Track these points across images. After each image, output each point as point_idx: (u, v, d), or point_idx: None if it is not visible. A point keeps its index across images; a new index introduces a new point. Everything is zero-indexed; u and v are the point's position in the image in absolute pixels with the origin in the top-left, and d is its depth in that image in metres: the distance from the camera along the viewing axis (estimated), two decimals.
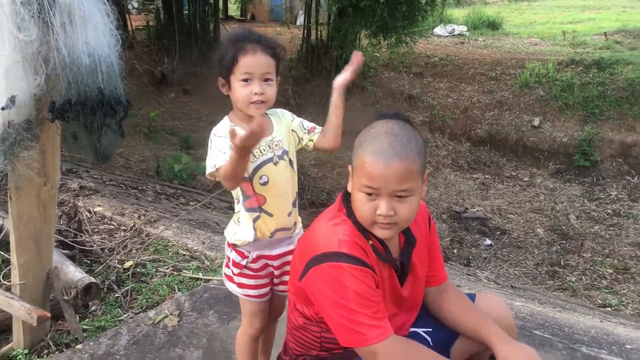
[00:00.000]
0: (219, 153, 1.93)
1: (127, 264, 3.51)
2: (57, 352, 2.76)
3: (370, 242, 1.72)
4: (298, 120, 2.21)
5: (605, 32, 14.70)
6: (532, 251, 7.44)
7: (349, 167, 1.74)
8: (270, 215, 2.08)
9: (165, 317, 3.02)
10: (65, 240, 3.43)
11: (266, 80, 2.00)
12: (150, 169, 8.23)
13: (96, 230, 3.91)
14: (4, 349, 2.75)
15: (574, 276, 6.73)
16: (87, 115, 2.10)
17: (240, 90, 1.97)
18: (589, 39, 14.56)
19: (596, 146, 9.83)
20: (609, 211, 8.54)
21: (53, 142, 2.42)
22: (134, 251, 3.67)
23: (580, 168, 9.76)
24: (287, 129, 2.16)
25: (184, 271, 3.55)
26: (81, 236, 3.61)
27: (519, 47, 14.46)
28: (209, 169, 1.97)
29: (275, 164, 2.07)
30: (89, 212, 4.09)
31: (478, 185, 9.53)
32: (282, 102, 10.42)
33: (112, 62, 2.16)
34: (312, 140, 2.19)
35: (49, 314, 2.56)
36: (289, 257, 2.16)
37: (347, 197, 1.76)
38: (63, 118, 2.14)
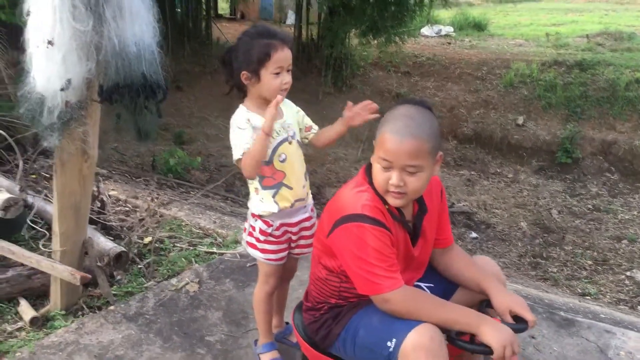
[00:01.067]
0: (244, 144, 2.27)
1: (146, 240, 3.80)
2: (90, 313, 3.05)
3: (387, 206, 2.00)
4: (302, 113, 2.56)
5: (587, 35, 15.00)
6: (516, 244, 7.61)
7: (374, 142, 2.04)
8: (291, 188, 2.41)
9: (187, 284, 3.32)
10: (90, 216, 3.68)
11: (288, 70, 2.35)
12: (145, 163, 8.38)
13: (113, 211, 4.18)
14: (43, 310, 3.03)
15: (556, 267, 6.92)
16: (132, 98, 2.40)
17: (272, 82, 2.29)
18: (572, 40, 14.83)
19: (578, 144, 10.07)
20: (590, 206, 8.75)
21: (95, 122, 2.71)
22: (151, 229, 3.95)
23: (562, 165, 10.00)
24: (294, 116, 2.50)
25: (199, 246, 3.84)
26: (104, 214, 3.88)
27: (504, 47, 14.72)
28: (237, 156, 2.29)
29: (290, 143, 2.41)
30: (105, 195, 4.36)
31: (464, 181, 9.69)
32: None
33: (154, 51, 2.47)
34: (306, 139, 2.54)
35: (89, 275, 2.84)
36: (305, 224, 2.52)
37: (369, 169, 2.07)
38: (110, 100, 2.43)
